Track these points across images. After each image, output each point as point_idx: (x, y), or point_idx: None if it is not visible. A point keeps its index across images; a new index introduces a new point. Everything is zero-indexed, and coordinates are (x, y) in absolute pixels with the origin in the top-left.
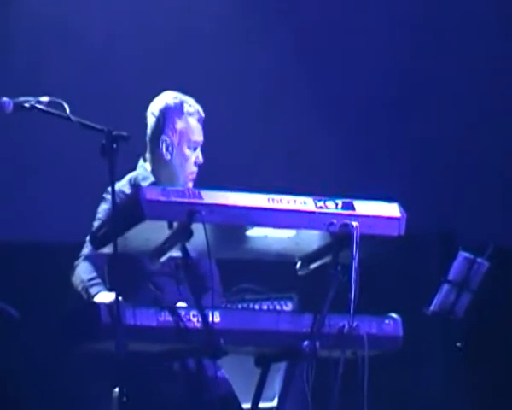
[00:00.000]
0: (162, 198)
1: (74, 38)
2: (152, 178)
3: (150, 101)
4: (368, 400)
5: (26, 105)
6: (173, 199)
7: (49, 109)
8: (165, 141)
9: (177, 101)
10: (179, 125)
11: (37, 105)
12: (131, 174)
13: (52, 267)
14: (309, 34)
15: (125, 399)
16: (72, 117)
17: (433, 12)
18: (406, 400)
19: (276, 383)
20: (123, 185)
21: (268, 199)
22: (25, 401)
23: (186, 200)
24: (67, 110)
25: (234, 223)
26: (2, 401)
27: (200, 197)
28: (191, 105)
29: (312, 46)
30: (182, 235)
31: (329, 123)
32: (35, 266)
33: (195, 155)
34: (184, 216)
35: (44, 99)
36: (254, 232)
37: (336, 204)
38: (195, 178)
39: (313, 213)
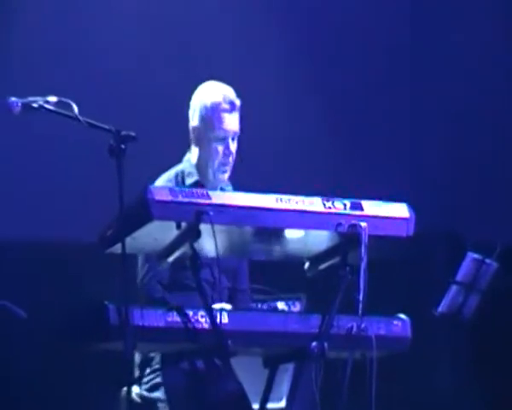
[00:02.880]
0: (170, 198)
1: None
2: (196, 176)
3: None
4: (376, 401)
5: (35, 105)
6: (181, 199)
7: (58, 109)
8: (193, 132)
9: (207, 91)
10: (205, 115)
11: (46, 105)
12: (177, 168)
13: (60, 267)
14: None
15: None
16: (81, 117)
17: (436, 14)
18: (415, 401)
19: (284, 383)
20: (169, 180)
21: (276, 199)
22: (31, 402)
23: (194, 200)
24: (76, 110)
25: (242, 223)
26: (8, 401)
27: (209, 198)
28: (221, 94)
29: (312, 47)
30: (190, 235)
31: (334, 123)
32: (43, 266)
33: (224, 147)
34: (192, 216)
35: (52, 99)
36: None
37: (345, 205)
38: (232, 169)
39: (321, 213)
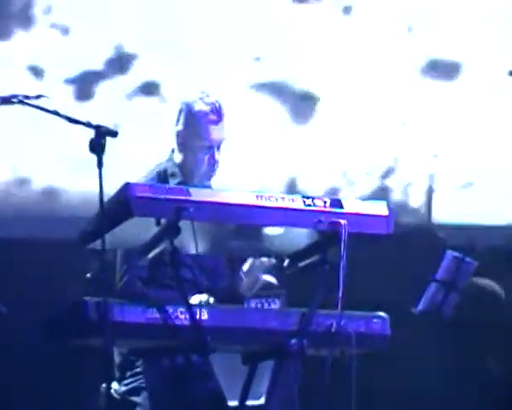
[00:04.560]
0: (150, 195)
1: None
2: (180, 177)
3: None
4: (356, 399)
5: (14, 100)
6: (161, 196)
7: (38, 104)
8: (178, 136)
9: (196, 98)
10: (191, 123)
11: (26, 100)
12: (160, 167)
13: (38, 263)
14: None
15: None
16: (60, 112)
17: None
18: (395, 398)
19: (263, 381)
20: (151, 179)
21: (256, 196)
22: (11, 397)
23: (174, 197)
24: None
25: (222, 220)
26: None
27: (189, 194)
28: (209, 103)
29: None
30: (169, 232)
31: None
32: (23, 262)
33: (209, 156)
34: (172, 213)
35: (32, 94)
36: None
37: (324, 202)
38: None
39: (301, 210)
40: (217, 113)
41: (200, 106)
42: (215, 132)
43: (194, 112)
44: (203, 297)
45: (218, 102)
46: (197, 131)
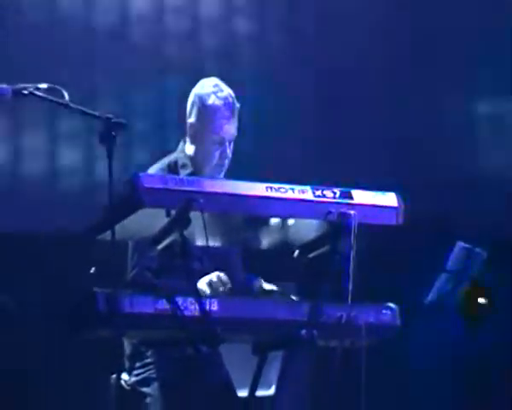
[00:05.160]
0: (160, 186)
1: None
2: (191, 168)
3: None
4: (366, 389)
5: (25, 92)
6: (171, 187)
7: (48, 96)
8: (190, 128)
9: (209, 90)
10: (204, 116)
11: (36, 92)
12: (171, 158)
13: (50, 257)
14: None
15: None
16: (71, 104)
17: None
18: (403, 388)
19: (273, 371)
20: (162, 169)
21: (266, 188)
22: (21, 389)
23: (184, 188)
24: (66, 97)
25: (232, 211)
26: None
27: (199, 185)
28: (222, 99)
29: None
30: (179, 223)
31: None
32: (32, 255)
33: (220, 151)
34: (182, 204)
35: (43, 86)
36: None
37: (334, 193)
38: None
39: (311, 201)
40: (230, 108)
41: (213, 100)
42: (227, 128)
43: (207, 106)
44: (221, 274)
45: (232, 96)
46: (209, 125)
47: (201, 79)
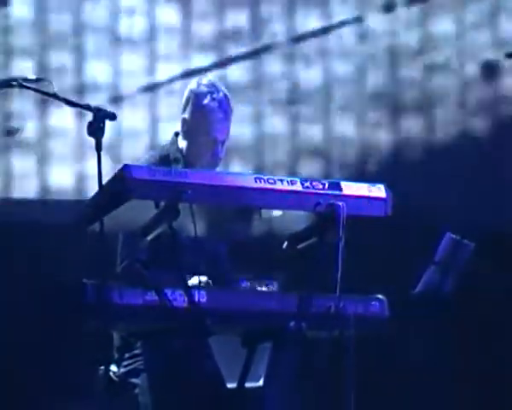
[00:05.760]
0: (149, 177)
1: None
2: (182, 163)
3: None
4: (354, 381)
5: (14, 83)
6: (160, 178)
7: (36, 87)
8: (184, 123)
9: (205, 89)
10: (198, 116)
11: (25, 83)
12: (163, 151)
13: (40, 247)
14: None
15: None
16: (59, 95)
17: None
18: (393, 379)
19: (263, 363)
20: (153, 163)
21: (255, 179)
22: (8, 379)
23: (173, 179)
24: (54, 88)
25: (220, 203)
26: None
27: (187, 177)
28: (217, 101)
29: None
30: (168, 214)
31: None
32: (20, 246)
33: (212, 152)
34: (171, 195)
35: (32, 77)
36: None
37: (323, 184)
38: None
39: (300, 193)
40: (224, 110)
41: (208, 101)
42: (221, 129)
43: (201, 105)
44: (202, 278)
45: (227, 98)
46: (203, 125)
47: (198, 76)
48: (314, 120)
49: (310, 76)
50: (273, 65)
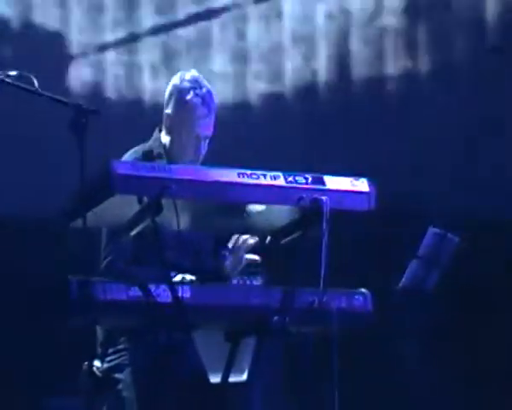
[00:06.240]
0: (132, 173)
1: None
2: (165, 159)
3: None
4: (340, 376)
5: None
6: (143, 173)
7: (18, 83)
8: (167, 118)
9: (188, 85)
10: (180, 110)
11: (6, 79)
12: (145, 146)
13: (23, 242)
14: None
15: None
16: (41, 91)
17: None
18: (378, 375)
19: (247, 357)
20: (137, 158)
21: (238, 174)
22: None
23: (156, 174)
24: (36, 84)
25: (204, 198)
26: None
27: (171, 172)
28: (201, 97)
29: None
30: (151, 210)
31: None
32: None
33: (195, 148)
34: (154, 191)
35: (13, 73)
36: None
37: (306, 179)
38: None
39: (283, 187)
40: (207, 106)
41: (191, 97)
42: (203, 126)
43: (184, 101)
44: (186, 277)
45: (210, 93)
46: (186, 121)
47: (180, 71)
48: None
49: None
50: None
